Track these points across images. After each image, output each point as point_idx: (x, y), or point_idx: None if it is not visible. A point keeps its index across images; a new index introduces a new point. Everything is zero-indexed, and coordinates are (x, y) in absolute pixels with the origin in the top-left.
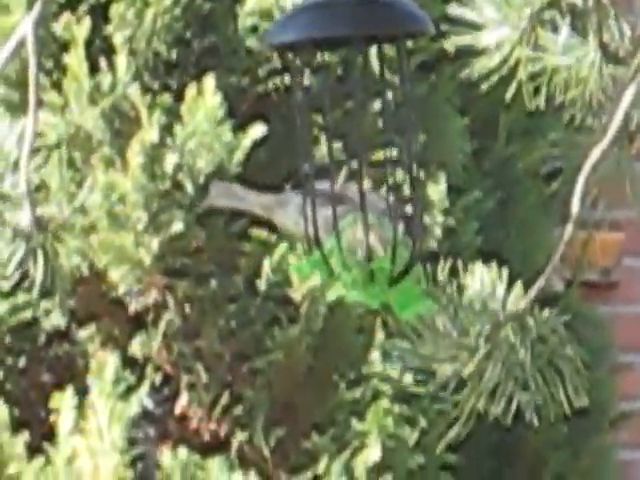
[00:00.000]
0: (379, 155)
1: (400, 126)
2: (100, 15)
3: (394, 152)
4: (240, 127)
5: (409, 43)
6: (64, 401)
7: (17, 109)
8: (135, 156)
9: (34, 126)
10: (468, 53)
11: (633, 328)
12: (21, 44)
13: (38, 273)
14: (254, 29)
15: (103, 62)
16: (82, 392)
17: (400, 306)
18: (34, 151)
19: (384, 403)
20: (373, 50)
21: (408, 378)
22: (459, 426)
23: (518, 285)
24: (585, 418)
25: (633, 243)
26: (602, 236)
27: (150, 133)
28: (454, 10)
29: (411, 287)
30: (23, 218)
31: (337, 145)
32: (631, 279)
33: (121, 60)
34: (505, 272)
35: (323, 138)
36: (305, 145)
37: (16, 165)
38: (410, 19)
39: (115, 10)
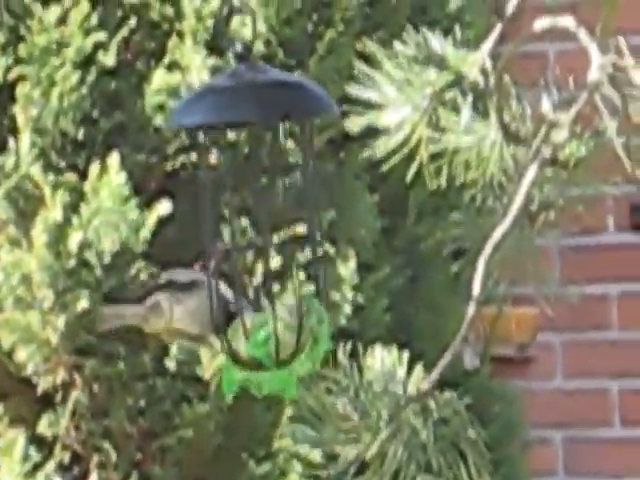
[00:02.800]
0: (288, 232)
1: (307, 203)
2: (7, 94)
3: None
4: (148, 205)
5: (317, 120)
6: None
7: None
8: (39, 235)
9: None
10: (373, 132)
11: (549, 403)
12: None
13: None
14: (161, 107)
15: (11, 142)
16: None
17: (263, 384)
18: None
19: (293, 478)
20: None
21: (317, 455)
22: None
23: (419, 367)
24: None
25: (549, 319)
26: (517, 311)
27: (54, 212)
28: (354, 90)
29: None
30: None
31: (246, 223)
32: (546, 354)
33: (24, 140)
34: (406, 353)
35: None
36: (204, 224)
37: None
38: (315, 101)
39: (20, 90)
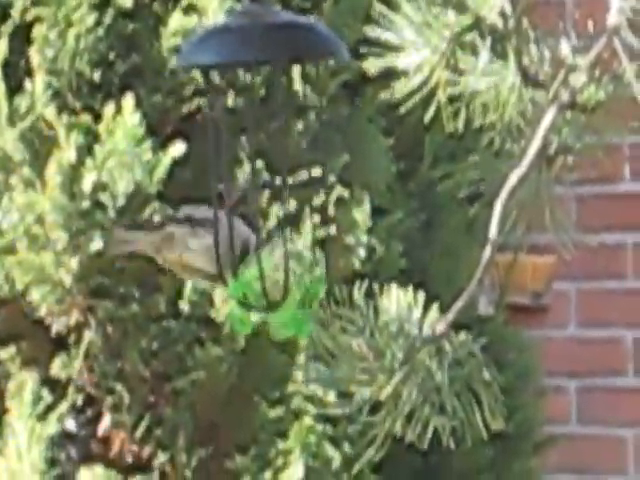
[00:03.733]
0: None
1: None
2: (24, 36)
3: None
4: (163, 147)
5: (331, 64)
6: None
7: None
8: (53, 176)
9: None
10: (389, 75)
11: (563, 352)
12: None
13: None
14: (177, 49)
15: (27, 83)
16: (1, 413)
17: (278, 327)
18: None
19: (307, 422)
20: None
21: (331, 397)
22: (375, 449)
23: (435, 308)
24: (509, 442)
25: (564, 267)
26: (533, 260)
27: (68, 153)
28: (373, 32)
29: (295, 310)
30: None
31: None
32: (561, 303)
33: (38, 81)
34: (422, 295)
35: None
36: (220, 165)
37: None
38: (325, 43)
39: (37, 31)
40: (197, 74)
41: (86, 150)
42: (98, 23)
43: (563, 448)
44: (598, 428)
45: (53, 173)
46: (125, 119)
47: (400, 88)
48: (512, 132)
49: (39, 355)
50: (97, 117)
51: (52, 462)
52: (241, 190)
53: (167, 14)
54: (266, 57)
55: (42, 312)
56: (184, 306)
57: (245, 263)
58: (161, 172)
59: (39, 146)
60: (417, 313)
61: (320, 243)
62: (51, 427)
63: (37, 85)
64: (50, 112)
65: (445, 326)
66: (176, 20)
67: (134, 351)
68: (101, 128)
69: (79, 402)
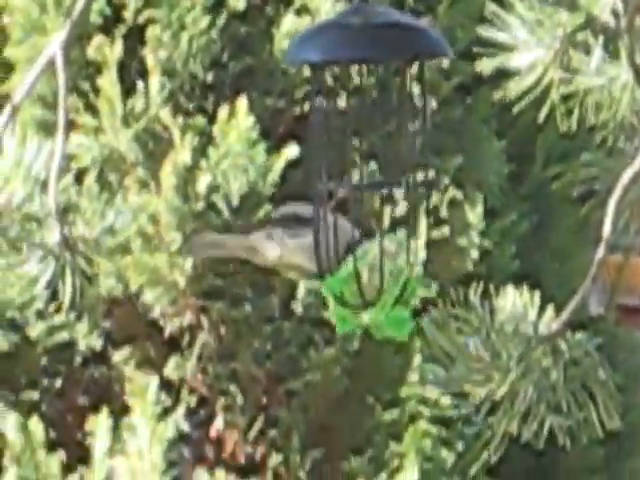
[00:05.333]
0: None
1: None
2: (137, 37)
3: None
4: (276, 148)
5: (445, 65)
6: (99, 423)
7: (51, 130)
8: (168, 177)
9: (63, 146)
10: (503, 75)
11: None
12: (50, 64)
13: (67, 292)
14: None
15: (139, 84)
16: (117, 414)
17: (376, 326)
18: (63, 171)
19: (422, 425)
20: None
21: (446, 400)
22: (492, 449)
23: (550, 308)
24: (620, 442)
25: None
26: None
27: (183, 154)
28: (487, 32)
29: (392, 310)
30: (52, 238)
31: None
32: None
33: (154, 82)
34: (537, 295)
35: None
36: (321, 165)
37: (44, 186)
38: (434, 44)
39: (151, 32)
40: (309, 75)
41: (200, 152)
42: (211, 25)
43: None
44: None
45: (168, 174)
46: (239, 121)
47: (513, 87)
48: (625, 130)
49: (153, 356)
50: (211, 118)
51: (171, 463)
52: (350, 190)
53: (279, 16)
54: (374, 55)
55: (156, 313)
56: (297, 307)
57: (344, 261)
58: (275, 174)
59: (153, 147)
60: (532, 313)
61: (433, 244)
62: (170, 428)
63: (152, 86)
64: (165, 113)
65: (560, 325)
66: (289, 21)
67: (247, 352)
68: (215, 130)
69: (192, 403)
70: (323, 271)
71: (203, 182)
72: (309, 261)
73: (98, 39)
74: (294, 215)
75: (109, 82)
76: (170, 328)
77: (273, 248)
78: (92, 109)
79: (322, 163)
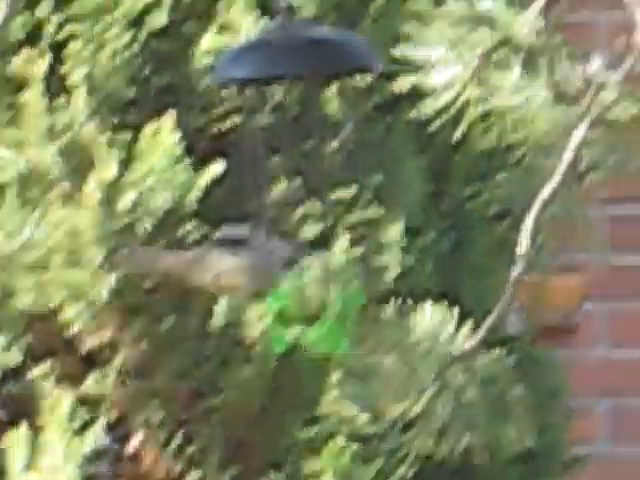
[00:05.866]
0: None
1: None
2: (57, 53)
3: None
4: (198, 165)
5: (365, 83)
6: (17, 438)
7: None
8: (92, 193)
9: None
10: (422, 93)
11: (593, 372)
12: None
13: None
14: (210, 68)
15: (60, 100)
16: (36, 430)
17: (313, 342)
18: None
19: (339, 442)
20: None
21: (364, 417)
22: (407, 466)
23: (467, 325)
24: (537, 461)
25: (594, 287)
26: (563, 279)
27: (107, 170)
28: (405, 50)
29: (331, 326)
30: None
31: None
32: (591, 323)
33: (79, 97)
34: (455, 312)
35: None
36: (256, 182)
37: None
38: (361, 59)
39: (72, 48)
40: (231, 92)
41: (125, 167)
42: (132, 41)
43: (593, 469)
44: (628, 449)
45: (92, 189)
46: (164, 138)
47: (431, 105)
48: (543, 149)
49: (73, 372)
50: (134, 134)
51: (87, 478)
52: (277, 207)
53: (200, 33)
54: (302, 71)
55: (76, 329)
56: (216, 325)
57: (283, 279)
58: (198, 191)
59: (78, 162)
60: (449, 330)
61: (354, 261)
62: (86, 444)
63: (78, 101)
64: (90, 128)
65: (477, 343)
66: (209, 39)
67: (167, 369)
68: (140, 146)
69: (111, 419)
70: (262, 290)
71: (127, 198)
72: (248, 281)
73: (24, 53)
74: (231, 238)
75: (34, 97)
76: (90, 344)
77: (211, 267)
78: (15, 124)
79: (255, 180)
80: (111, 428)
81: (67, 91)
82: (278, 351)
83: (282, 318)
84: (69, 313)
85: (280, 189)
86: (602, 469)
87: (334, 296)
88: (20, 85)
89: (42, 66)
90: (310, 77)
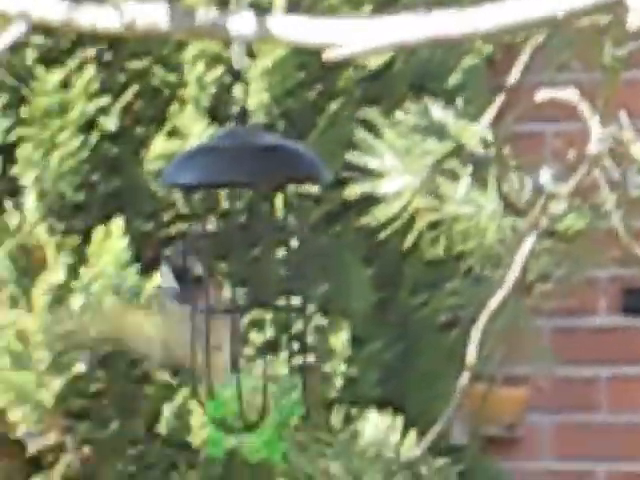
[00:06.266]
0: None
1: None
2: (6, 156)
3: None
4: (144, 270)
5: (314, 191)
6: None
7: None
8: (41, 296)
9: None
10: (371, 202)
11: None
12: None
13: None
14: (159, 173)
15: (9, 202)
16: None
17: (252, 449)
18: None
19: None
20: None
21: None
22: None
23: (413, 433)
24: None
25: (537, 399)
26: (506, 391)
27: (56, 274)
28: (355, 158)
29: (271, 432)
30: None
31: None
32: (534, 435)
33: (29, 200)
34: (400, 420)
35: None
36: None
37: None
38: (312, 167)
39: (22, 151)
40: (178, 198)
41: (73, 271)
42: (82, 145)
43: None
44: None
45: (40, 293)
46: (113, 243)
47: (380, 214)
48: (491, 259)
49: (15, 475)
50: (82, 238)
51: None
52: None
53: (150, 138)
54: (251, 179)
55: (20, 432)
56: (161, 430)
57: (223, 385)
58: (146, 296)
59: (26, 264)
60: (395, 438)
61: (298, 370)
62: None
63: (28, 204)
64: (40, 231)
65: (422, 451)
66: (159, 144)
67: (111, 474)
68: (90, 250)
69: None
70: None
71: (76, 302)
72: (177, 344)
73: None
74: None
75: None
76: (34, 447)
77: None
78: None
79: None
80: None
81: (16, 194)
82: (215, 455)
83: (221, 423)
84: (15, 416)
85: (225, 296)
86: None
87: (273, 404)
88: None
89: None
90: (258, 184)
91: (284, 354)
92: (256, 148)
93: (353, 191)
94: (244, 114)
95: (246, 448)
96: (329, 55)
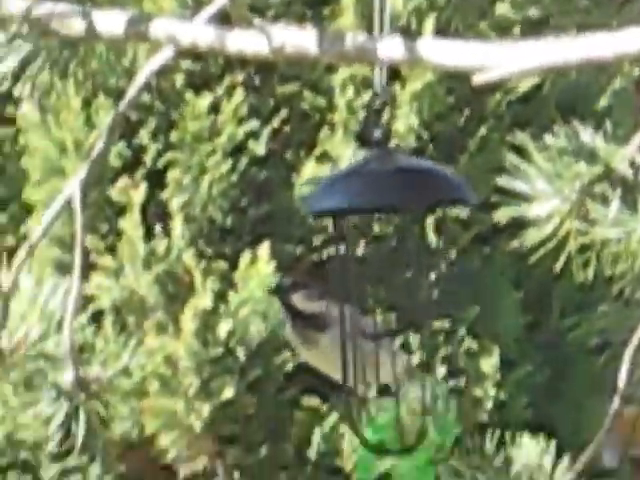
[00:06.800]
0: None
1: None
2: (156, 180)
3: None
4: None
5: (464, 215)
6: None
7: (67, 270)
8: (188, 321)
9: (79, 285)
10: (520, 225)
11: None
12: (68, 204)
13: (79, 433)
14: (304, 199)
15: (158, 227)
16: None
17: (403, 475)
18: (80, 311)
19: None
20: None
21: None
22: None
23: (566, 458)
24: None
25: None
26: None
27: (204, 299)
28: (505, 182)
29: (427, 454)
30: (66, 378)
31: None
32: None
33: (176, 225)
34: (552, 444)
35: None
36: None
37: (60, 325)
38: (458, 191)
39: (172, 176)
40: (328, 222)
41: (220, 297)
42: (232, 170)
43: None
44: None
45: (188, 319)
46: (260, 267)
47: (531, 238)
48: None
49: None
50: (232, 263)
51: None
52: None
53: (300, 162)
54: (398, 203)
55: (170, 457)
56: (312, 454)
57: (380, 409)
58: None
59: (173, 290)
60: (548, 463)
61: (450, 393)
62: None
63: (175, 229)
64: (188, 257)
65: (575, 476)
66: (309, 168)
67: None
68: (237, 275)
69: None
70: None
71: (223, 327)
72: (327, 365)
73: (122, 181)
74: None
75: (132, 224)
76: (184, 472)
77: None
78: (112, 250)
79: (344, 309)
80: None
81: (165, 218)
82: (363, 479)
83: (373, 447)
84: (164, 441)
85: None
86: None
87: (430, 427)
88: (119, 212)
89: (140, 193)
90: (406, 208)
91: (435, 377)
92: (400, 171)
93: (503, 215)
94: (387, 137)
95: (397, 472)
96: (478, 79)
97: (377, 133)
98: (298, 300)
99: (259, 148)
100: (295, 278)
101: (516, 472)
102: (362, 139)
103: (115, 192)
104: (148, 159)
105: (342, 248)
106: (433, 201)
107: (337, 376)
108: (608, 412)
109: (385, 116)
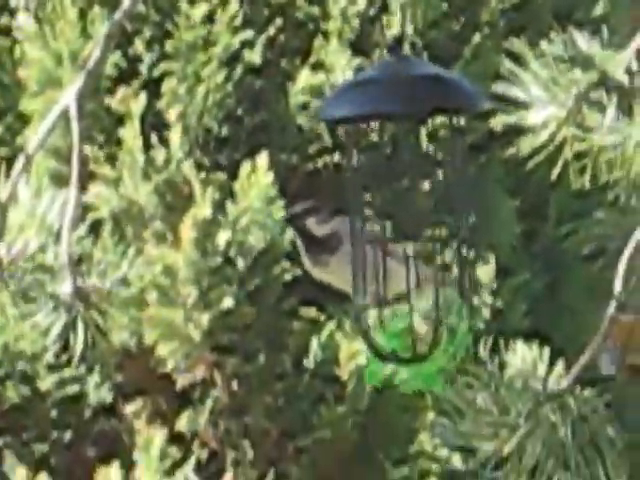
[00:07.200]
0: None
1: (452, 205)
2: (152, 90)
3: (444, 231)
4: (291, 204)
5: (461, 121)
6: (109, 476)
7: (65, 182)
8: (187, 231)
9: (77, 196)
10: (516, 132)
11: None
12: (64, 115)
13: (78, 344)
14: (305, 106)
15: (155, 137)
16: (127, 467)
17: (410, 379)
18: (78, 222)
19: None
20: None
21: (456, 457)
22: None
23: (560, 364)
24: None
25: None
26: None
27: (203, 209)
28: (501, 88)
29: (440, 363)
30: (64, 289)
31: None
32: None
33: (175, 136)
34: (547, 351)
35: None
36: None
37: (58, 236)
38: (467, 96)
39: (167, 86)
40: (323, 131)
41: (219, 207)
42: (227, 79)
43: None
44: None
45: (187, 228)
46: (259, 178)
47: (526, 145)
48: (638, 189)
49: (165, 410)
50: (228, 173)
51: None
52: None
53: (295, 71)
54: (412, 109)
55: (168, 367)
56: (309, 364)
57: (393, 316)
58: (292, 232)
59: (173, 200)
60: (542, 369)
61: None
62: None
63: (173, 140)
64: (187, 167)
65: (570, 382)
66: (304, 77)
67: (259, 407)
68: (236, 186)
69: (203, 457)
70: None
71: (222, 237)
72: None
73: (121, 91)
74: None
75: (131, 134)
76: (182, 382)
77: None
78: (112, 160)
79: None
80: (203, 466)
81: (162, 129)
82: (371, 384)
83: (381, 354)
84: (163, 351)
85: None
86: None
87: (443, 336)
88: (117, 121)
89: (140, 103)
90: (409, 115)
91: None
92: (412, 78)
93: (499, 122)
94: (398, 43)
95: (404, 379)
96: None
97: (389, 40)
98: (312, 225)
99: (254, 57)
100: (293, 189)
101: (509, 378)
102: (357, 48)
103: (114, 102)
104: (144, 69)
105: (355, 159)
106: (449, 106)
107: (350, 290)
108: (604, 318)
109: (388, 23)
